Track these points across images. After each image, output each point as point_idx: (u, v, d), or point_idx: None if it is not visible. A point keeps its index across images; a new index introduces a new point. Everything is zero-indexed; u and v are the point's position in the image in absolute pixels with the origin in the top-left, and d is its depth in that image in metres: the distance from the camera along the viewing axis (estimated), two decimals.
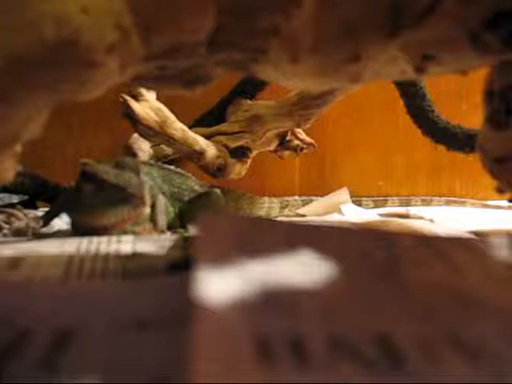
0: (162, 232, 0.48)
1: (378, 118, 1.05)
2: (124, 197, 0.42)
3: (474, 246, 0.26)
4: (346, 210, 0.76)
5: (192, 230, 0.50)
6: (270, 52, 0.24)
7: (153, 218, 0.48)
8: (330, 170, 1.05)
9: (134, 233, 0.43)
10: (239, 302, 0.18)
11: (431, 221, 0.65)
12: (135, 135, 0.68)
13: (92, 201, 0.42)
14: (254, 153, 0.76)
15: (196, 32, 0.22)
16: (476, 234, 0.47)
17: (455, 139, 0.81)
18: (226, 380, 0.14)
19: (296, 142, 0.77)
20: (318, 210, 0.79)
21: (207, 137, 0.68)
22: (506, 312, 0.19)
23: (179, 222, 0.56)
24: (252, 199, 0.73)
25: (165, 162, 0.63)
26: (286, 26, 0.22)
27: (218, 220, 0.24)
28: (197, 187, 0.61)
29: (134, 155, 0.67)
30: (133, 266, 0.28)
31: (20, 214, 0.55)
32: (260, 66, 0.25)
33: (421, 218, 0.70)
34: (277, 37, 0.23)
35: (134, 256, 0.31)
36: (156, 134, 0.60)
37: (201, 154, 0.65)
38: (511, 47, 0.23)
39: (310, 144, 0.77)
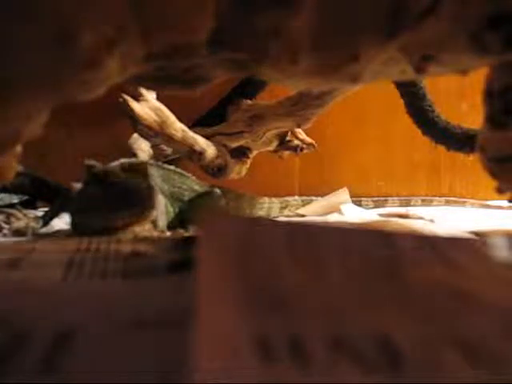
0: (162, 232, 0.48)
1: (378, 118, 1.05)
2: (131, 200, 0.42)
3: (474, 245, 0.26)
4: (345, 210, 0.76)
5: (192, 230, 0.50)
6: (270, 52, 0.24)
7: (153, 219, 0.48)
8: (329, 170, 1.05)
9: (134, 233, 0.43)
10: (239, 302, 0.18)
11: (431, 221, 0.65)
12: (135, 135, 0.68)
13: (98, 203, 0.42)
14: (254, 153, 0.76)
15: (196, 32, 0.22)
16: (476, 234, 0.47)
17: (455, 139, 0.81)
18: (226, 380, 0.14)
19: (296, 141, 0.77)
20: (318, 210, 0.79)
21: (207, 137, 0.68)
22: (506, 312, 0.19)
23: (179, 222, 0.56)
24: (252, 199, 0.73)
25: (165, 162, 0.63)
26: (286, 26, 0.22)
27: (219, 220, 0.24)
28: (197, 187, 0.61)
29: (133, 155, 0.67)
30: (133, 266, 0.28)
31: (20, 214, 0.55)
32: (260, 66, 0.25)
33: (421, 218, 0.70)
34: (277, 37, 0.23)
35: (134, 256, 0.31)
36: (156, 134, 0.60)
37: (201, 153, 0.65)
38: (511, 47, 0.23)
39: (309, 144, 0.78)
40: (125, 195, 0.42)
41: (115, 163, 0.48)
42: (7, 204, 0.68)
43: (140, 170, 0.45)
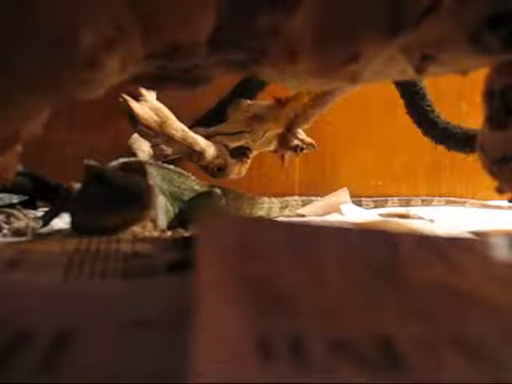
0: (162, 232, 0.48)
1: (377, 118, 1.05)
2: (130, 199, 0.42)
3: (474, 246, 0.26)
4: (345, 210, 0.76)
5: (192, 230, 0.50)
6: (269, 52, 0.24)
7: (153, 218, 0.48)
8: (330, 170, 1.05)
9: (134, 233, 0.43)
10: (239, 302, 0.18)
11: (431, 221, 0.65)
12: (135, 135, 0.68)
13: (98, 202, 0.42)
14: (254, 153, 0.76)
15: (196, 32, 0.22)
16: (476, 234, 0.47)
17: (455, 139, 0.81)
18: (226, 380, 0.14)
19: (296, 141, 0.77)
20: (318, 210, 0.79)
21: (207, 137, 0.68)
22: (506, 312, 0.19)
23: (179, 221, 0.56)
24: (252, 199, 0.73)
25: (165, 162, 0.63)
26: (285, 26, 0.22)
27: (219, 220, 0.24)
28: (197, 187, 0.61)
29: (133, 155, 0.67)
30: (133, 266, 0.28)
31: (20, 214, 0.55)
32: (260, 66, 0.25)
33: (421, 218, 0.70)
34: (277, 37, 0.23)
35: (134, 256, 0.31)
36: (156, 134, 0.60)
37: (201, 154, 0.65)
38: (511, 47, 0.23)
39: (309, 144, 0.77)
40: (124, 195, 0.42)
41: (114, 163, 0.48)
42: (7, 204, 0.68)
43: (139, 169, 0.45)
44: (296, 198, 0.82)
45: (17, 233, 0.48)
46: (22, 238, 0.46)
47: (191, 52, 0.23)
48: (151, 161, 0.61)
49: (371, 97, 1.00)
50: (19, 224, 0.50)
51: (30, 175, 0.71)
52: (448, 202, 0.95)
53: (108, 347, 0.18)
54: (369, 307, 0.19)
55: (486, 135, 0.30)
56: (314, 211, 0.78)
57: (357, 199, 0.86)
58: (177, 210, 0.57)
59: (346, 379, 0.15)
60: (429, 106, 0.82)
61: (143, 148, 0.70)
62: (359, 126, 1.05)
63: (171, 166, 0.60)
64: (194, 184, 0.61)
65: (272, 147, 0.77)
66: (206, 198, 0.60)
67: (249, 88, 0.83)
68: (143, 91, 0.59)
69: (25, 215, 0.55)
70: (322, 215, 0.76)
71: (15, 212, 0.55)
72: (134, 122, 0.59)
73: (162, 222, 0.50)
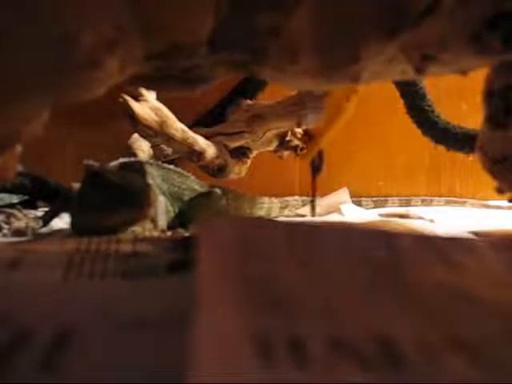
0: (162, 232, 0.48)
1: (378, 119, 1.05)
2: (130, 199, 0.42)
3: (474, 245, 0.26)
4: (345, 210, 0.76)
5: (192, 230, 0.50)
6: (270, 52, 0.24)
7: (153, 218, 0.48)
8: (330, 170, 1.05)
9: (134, 233, 0.44)
10: (239, 302, 0.18)
11: (431, 221, 0.65)
12: (135, 135, 0.68)
13: (98, 202, 0.42)
14: (254, 153, 0.76)
15: (196, 32, 0.22)
16: (476, 234, 0.47)
17: (455, 139, 0.81)
18: (226, 380, 0.14)
19: (296, 141, 0.77)
20: (317, 210, 0.79)
21: (207, 137, 0.68)
22: (506, 312, 0.19)
23: (179, 221, 0.56)
24: (252, 199, 0.73)
25: (165, 162, 0.63)
26: (285, 25, 0.22)
27: (219, 220, 0.24)
28: (197, 187, 0.61)
29: (133, 155, 0.67)
30: (133, 266, 0.28)
31: (20, 214, 0.55)
32: (260, 66, 0.25)
33: (421, 218, 0.70)
34: (277, 37, 0.23)
35: (134, 256, 0.31)
36: (156, 134, 0.60)
37: (201, 154, 0.65)
38: (511, 47, 0.23)
39: None
40: (123, 194, 0.42)
41: (114, 163, 0.48)
42: (7, 204, 0.68)
43: (139, 169, 0.45)
44: (296, 197, 0.82)
45: (17, 233, 0.48)
46: (22, 238, 0.46)
47: (191, 52, 0.23)
48: (151, 161, 0.61)
49: (371, 97, 1.00)
50: (19, 224, 0.50)
51: (30, 175, 0.71)
52: (448, 202, 0.95)
53: (108, 347, 0.18)
54: (369, 307, 0.19)
55: (486, 135, 0.30)
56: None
57: (357, 199, 0.86)
58: (177, 210, 0.57)
59: (346, 379, 0.15)
60: (429, 106, 0.82)
61: (143, 148, 0.70)
62: (359, 126, 1.05)
63: (171, 166, 0.60)
64: (194, 184, 0.61)
65: (272, 147, 0.77)
66: (206, 198, 0.60)
67: (249, 88, 0.83)
68: (143, 91, 0.59)
69: (25, 215, 0.55)
70: (322, 215, 0.76)
71: (15, 212, 0.55)
72: (134, 122, 0.59)
73: (162, 221, 0.50)
